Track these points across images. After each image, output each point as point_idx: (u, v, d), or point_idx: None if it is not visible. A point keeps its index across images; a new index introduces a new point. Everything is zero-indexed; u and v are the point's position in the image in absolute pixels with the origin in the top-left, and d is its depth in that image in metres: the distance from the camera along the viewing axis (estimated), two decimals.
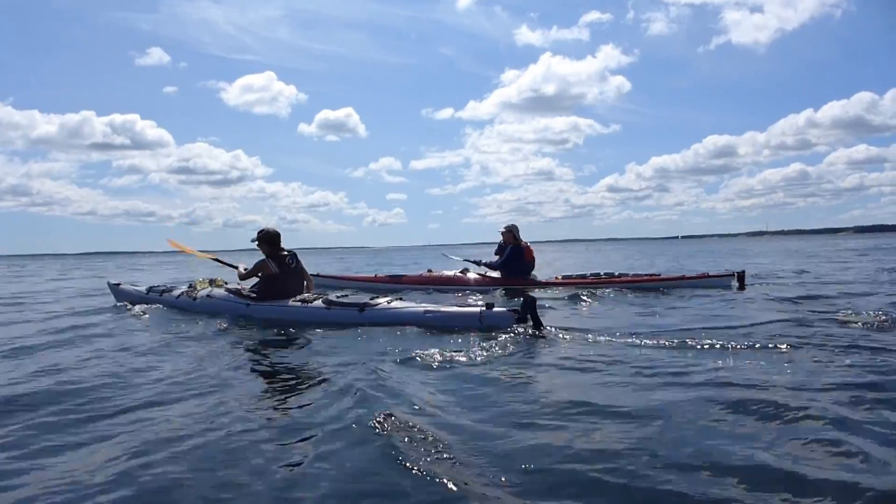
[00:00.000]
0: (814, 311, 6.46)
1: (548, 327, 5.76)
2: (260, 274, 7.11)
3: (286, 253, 7.17)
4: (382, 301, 6.79)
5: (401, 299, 7.16)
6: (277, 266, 7.01)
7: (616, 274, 10.38)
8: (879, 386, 3.39)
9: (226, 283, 8.16)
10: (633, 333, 5.35)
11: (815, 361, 4.03)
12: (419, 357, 4.61)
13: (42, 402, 3.53)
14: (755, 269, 13.69)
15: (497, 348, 5.04)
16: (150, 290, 8.93)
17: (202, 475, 2.41)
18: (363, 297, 6.99)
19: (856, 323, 5.60)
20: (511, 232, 9.75)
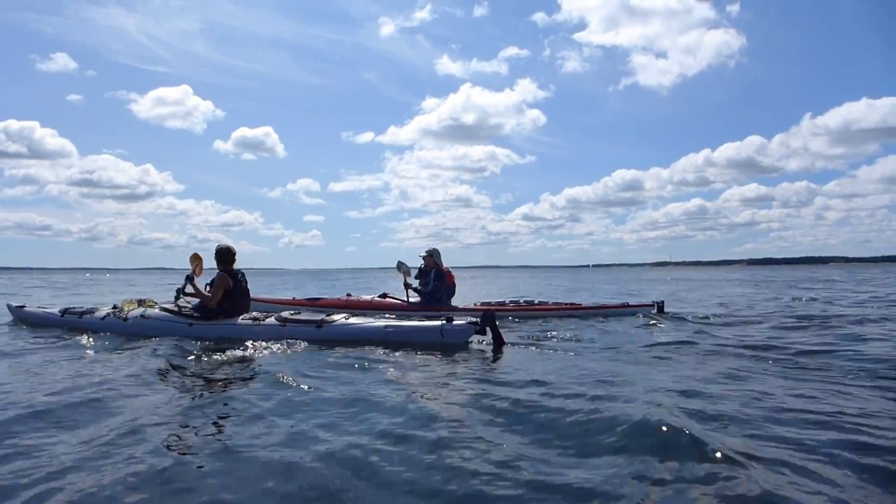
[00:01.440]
0: (732, 345, 6.47)
1: (507, 342, 6.12)
2: (210, 290, 6.80)
3: (237, 271, 6.98)
4: (339, 317, 6.61)
5: (355, 316, 6.95)
6: (232, 282, 6.81)
7: (535, 302, 10.19)
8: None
9: (156, 303, 7.47)
10: (573, 352, 5.78)
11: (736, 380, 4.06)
12: (382, 374, 4.56)
13: None
14: (669, 299, 14.00)
15: (460, 361, 5.19)
16: (65, 312, 7.82)
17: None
18: (317, 314, 6.77)
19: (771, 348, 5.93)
20: (432, 256, 9.36)
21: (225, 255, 6.90)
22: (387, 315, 7.22)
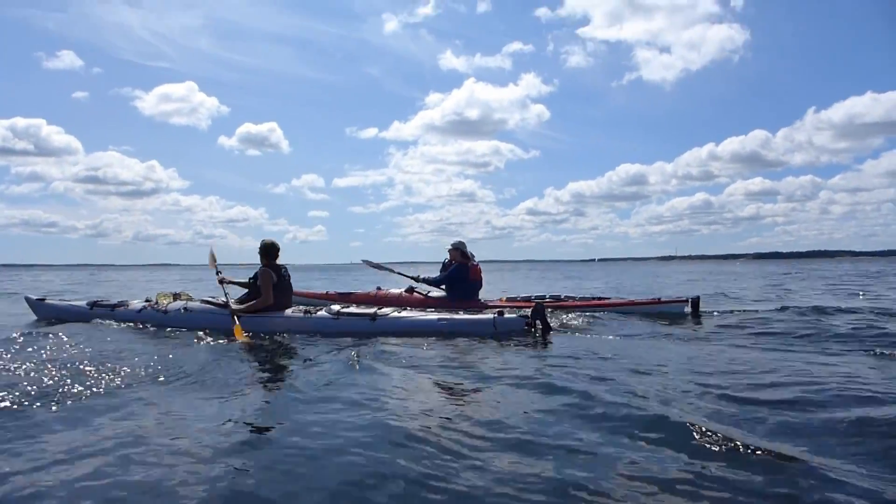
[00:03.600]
0: (784, 343, 6.01)
1: (556, 332, 6.27)
2: (253, 284, 6.79)
3: (281, 265, 6.90)
4: (391, 310, 6.61)
5: (404, 309, 6.95)
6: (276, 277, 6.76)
7: (562, 297, 9.79)
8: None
9: (191, 297, 7.25)
10: (620, 345, 5.76)
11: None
12: (438, 366, 4.56)
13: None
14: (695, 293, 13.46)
15: (512, 355, 5.18)
16: (94, 304, 7.41)
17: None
18: (368, 308, 6.79)
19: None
20: (458, 249, 8.93)
21: (270, 250, 6.81)
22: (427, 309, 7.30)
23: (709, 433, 2.74)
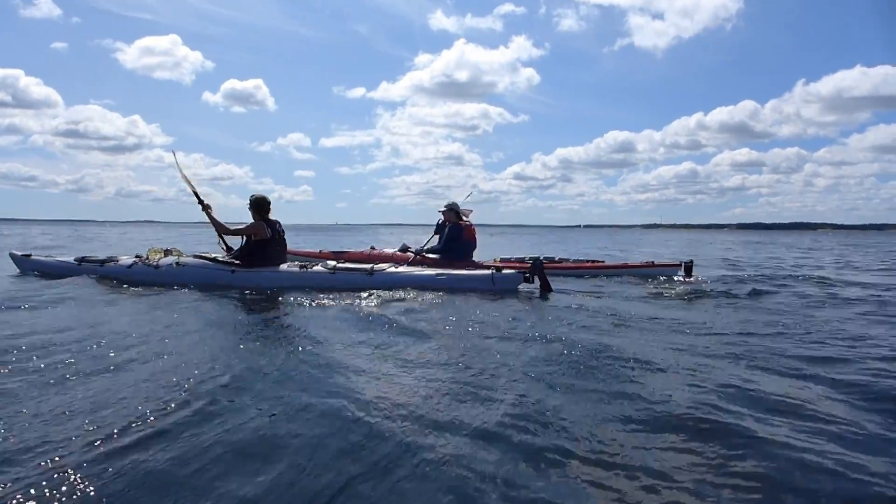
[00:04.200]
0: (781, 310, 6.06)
1: (553, 291, 6.30)
2: (246, 237, 6.65)
3: (274, 220, 6.78)
4: (387, 266, 6.67)
5: (395, 266, 6.88)
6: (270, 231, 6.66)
7: (556, 259, 9.84)
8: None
9: (182, 253, 7.16)
10: (616, 303, 5.83)
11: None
12: (437, 321, 4.53)
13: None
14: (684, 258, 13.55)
15: (511, 310, 5.15)
16: (82, 260, 7.27)
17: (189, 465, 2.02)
18: (365, 264, 6.84)
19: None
20: (453, 210, 8.90)
21: (261, 204, 6.68)
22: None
23: (712, 383, 2.80)
